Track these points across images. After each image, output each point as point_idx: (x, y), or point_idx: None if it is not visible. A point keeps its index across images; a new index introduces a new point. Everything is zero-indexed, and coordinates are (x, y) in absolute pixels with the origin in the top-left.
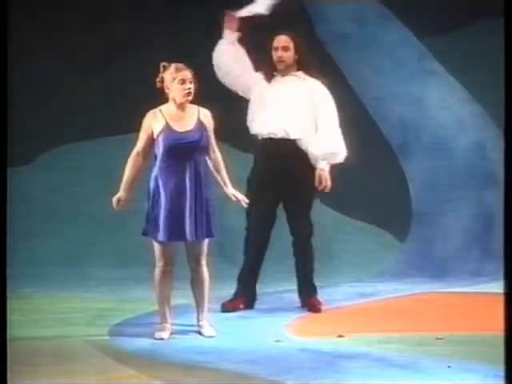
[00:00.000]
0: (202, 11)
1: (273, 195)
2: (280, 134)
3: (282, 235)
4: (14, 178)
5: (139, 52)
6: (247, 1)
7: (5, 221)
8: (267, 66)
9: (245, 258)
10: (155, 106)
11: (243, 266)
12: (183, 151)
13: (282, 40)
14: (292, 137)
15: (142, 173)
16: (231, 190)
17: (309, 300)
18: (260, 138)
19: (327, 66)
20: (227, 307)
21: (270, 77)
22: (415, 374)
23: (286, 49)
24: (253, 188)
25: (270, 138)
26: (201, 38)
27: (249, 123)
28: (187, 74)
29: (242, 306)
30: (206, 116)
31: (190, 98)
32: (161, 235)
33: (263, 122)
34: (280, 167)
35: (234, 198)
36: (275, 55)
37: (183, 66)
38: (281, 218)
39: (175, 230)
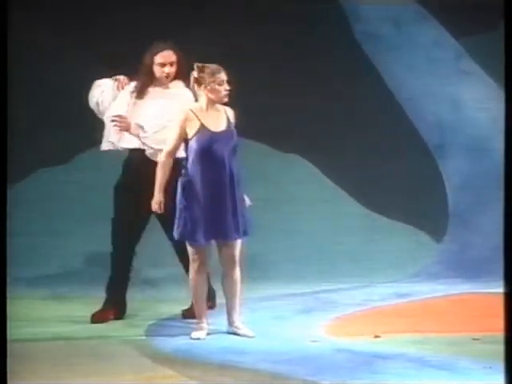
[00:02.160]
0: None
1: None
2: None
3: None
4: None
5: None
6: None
7: (5, 220)
8: (144, 81)
9: (111, 269)
10: None
11: (110, 277)
12: (219, 151)
13: (169, 55)
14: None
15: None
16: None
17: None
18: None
19: (364, 66)
20: (96, 318)
21: (143, 91)
22: (452, 374)
23: (172, 64)
24: (120, 198)
25: (138, 149)
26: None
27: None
28: (224, 75)
29: (111, 317)
30: (232, 115)
31: (226, 99)
32: (198, 237)
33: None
34: (145, 178)
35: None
36: (162, 71)
37: (218, 66)
38: None
39: (212, 231)
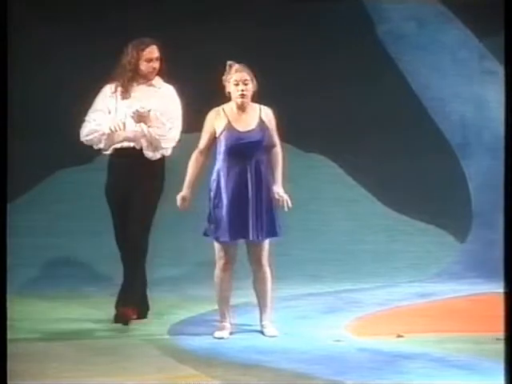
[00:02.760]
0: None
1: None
2: (127, 144)
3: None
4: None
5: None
6: None
7: (5, 219)
8: (129, 78)
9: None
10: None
11: (124, 276)
12: (244, 151)
13: (154, 50)
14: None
15: (204, 171)
16: (278, 189)
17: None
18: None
19: (387, 66)
20: (119, 318)
21: (128, 89)
22: (474, 374)
23: (157, 59)
24: (110, 200)
25: (121, 148)
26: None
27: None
28: (243, 75)
29: (134, 316)
30: (267, 114)
31: (245, 99)
32: (223, 235)
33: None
34: (127, 177)
35: (277, 197)
36: (150, 66)
37: (242, 66)
38: None
39: (238, 230)
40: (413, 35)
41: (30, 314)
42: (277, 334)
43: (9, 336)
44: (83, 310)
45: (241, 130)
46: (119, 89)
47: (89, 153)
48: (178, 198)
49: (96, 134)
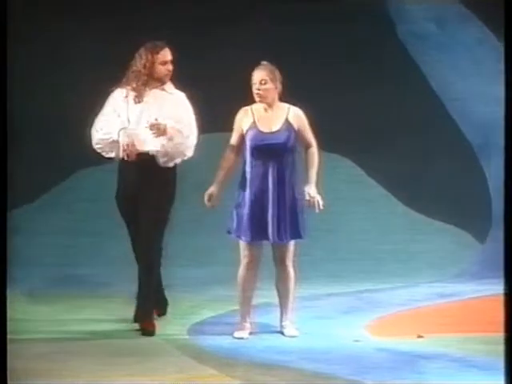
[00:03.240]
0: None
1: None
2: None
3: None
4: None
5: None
6: None
7: (5, 219)
8: (143, 82)
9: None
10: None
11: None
12: (267, 152)
13: (168, 53)
14: (150, 151)
15: (234, 170)
16: (310, 190)
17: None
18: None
19: (407, 66)
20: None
21: (140, 92)
22: (494, 375)
23: (171, 62)
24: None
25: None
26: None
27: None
28: (260, 75)
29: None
30: (295, 115)
31: (262, 99)
32: (245, 234)
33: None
34: (137, 183)
35: (308, 197)
36: (165, 69)
37: (264, 66)
38: None
39: (258, 231)
40: (433, 35)
41: (52, 314)
42: (297, 334)
43: (28, 336)
44: (105, 310)
45: (264, 131)
46: (131, 93)
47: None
48: (206, 195)
49: (106, 143)
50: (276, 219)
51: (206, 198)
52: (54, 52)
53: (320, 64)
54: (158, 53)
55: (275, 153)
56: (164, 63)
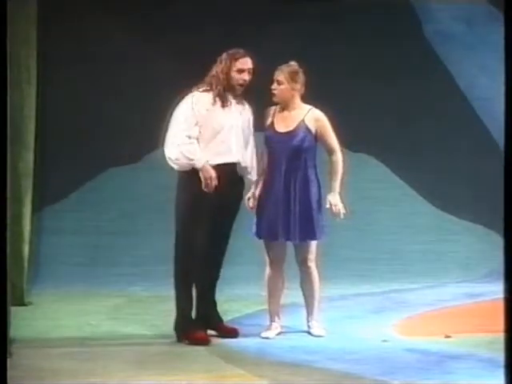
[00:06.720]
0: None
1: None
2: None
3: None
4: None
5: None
6: None
7: (5, 222)
8: (222, 88)
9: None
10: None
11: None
12: (280, 152)
13: (248, 62)
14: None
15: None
16: (331, 199)
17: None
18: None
19: (434, 66)
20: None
21: (225, 102)
22: None
23: (250, 72)
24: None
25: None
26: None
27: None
28: (276, 74)
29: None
30: (314, 118)
31: (275, 98)
32: (263, 235)
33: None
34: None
35: (328, 206)
36: (240, 78)
37: (283, 66)
38: None
39: (269, 231)
40: (460, 35)
41: (79, 312)
42: (324, 334)
43: (56, 335)
44: (132, 309)
45: (279, 131)
46: (217, 99)
47: (137, 151)
48: (246, 198)
49: (185, 164)
50: (288, 220)
51: (246, 201)
52: (88, 51)
53: (347, 63)
54: (236, 60)
55: (287, 153)
56: (240, 72)
